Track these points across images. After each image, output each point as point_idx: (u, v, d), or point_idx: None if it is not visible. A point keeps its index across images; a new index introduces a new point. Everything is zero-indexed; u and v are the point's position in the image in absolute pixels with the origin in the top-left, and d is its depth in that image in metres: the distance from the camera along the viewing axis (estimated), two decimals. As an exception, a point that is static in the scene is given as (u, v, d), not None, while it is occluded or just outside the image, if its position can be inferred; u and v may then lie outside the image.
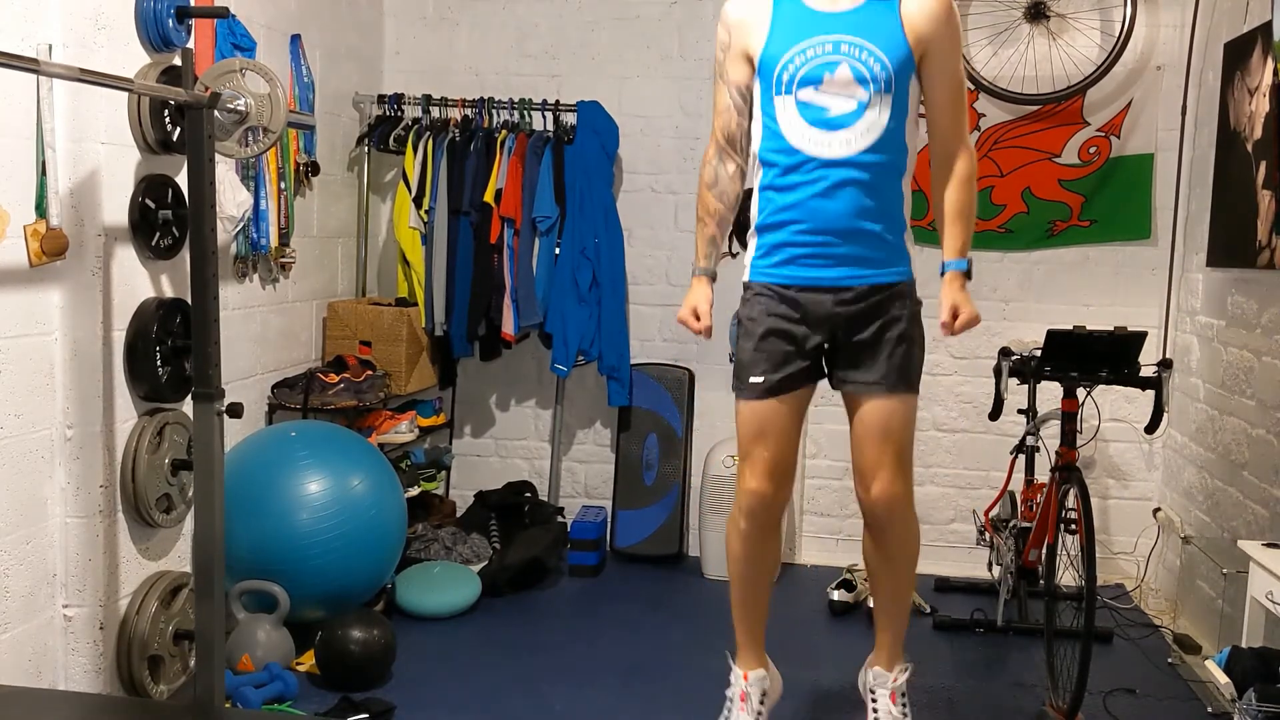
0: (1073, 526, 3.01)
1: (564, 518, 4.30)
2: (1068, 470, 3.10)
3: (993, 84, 4.15)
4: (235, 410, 2.63)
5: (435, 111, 4.35)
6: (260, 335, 3.63)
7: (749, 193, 2.69)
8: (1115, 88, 4.16)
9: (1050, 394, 3.46)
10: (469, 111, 4.30)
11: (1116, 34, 4.06)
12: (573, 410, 4.58)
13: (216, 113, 2.62)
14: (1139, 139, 4.19)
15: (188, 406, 2.83)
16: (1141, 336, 3.07)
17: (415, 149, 4.20)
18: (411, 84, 4.45)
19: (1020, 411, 3.81)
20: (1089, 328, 3.15)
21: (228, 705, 2.73)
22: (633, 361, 4.42)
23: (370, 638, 3.08)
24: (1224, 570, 3.38)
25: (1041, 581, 3.44)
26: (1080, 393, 3.22)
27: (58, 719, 2.47)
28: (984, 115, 4.24)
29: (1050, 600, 3.22)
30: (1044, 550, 3.31)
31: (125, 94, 2.78)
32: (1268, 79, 3.32)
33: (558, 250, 4.25)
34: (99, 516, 2.78)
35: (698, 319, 2.69)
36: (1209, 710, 3.11)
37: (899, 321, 2.56)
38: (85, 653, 2.77)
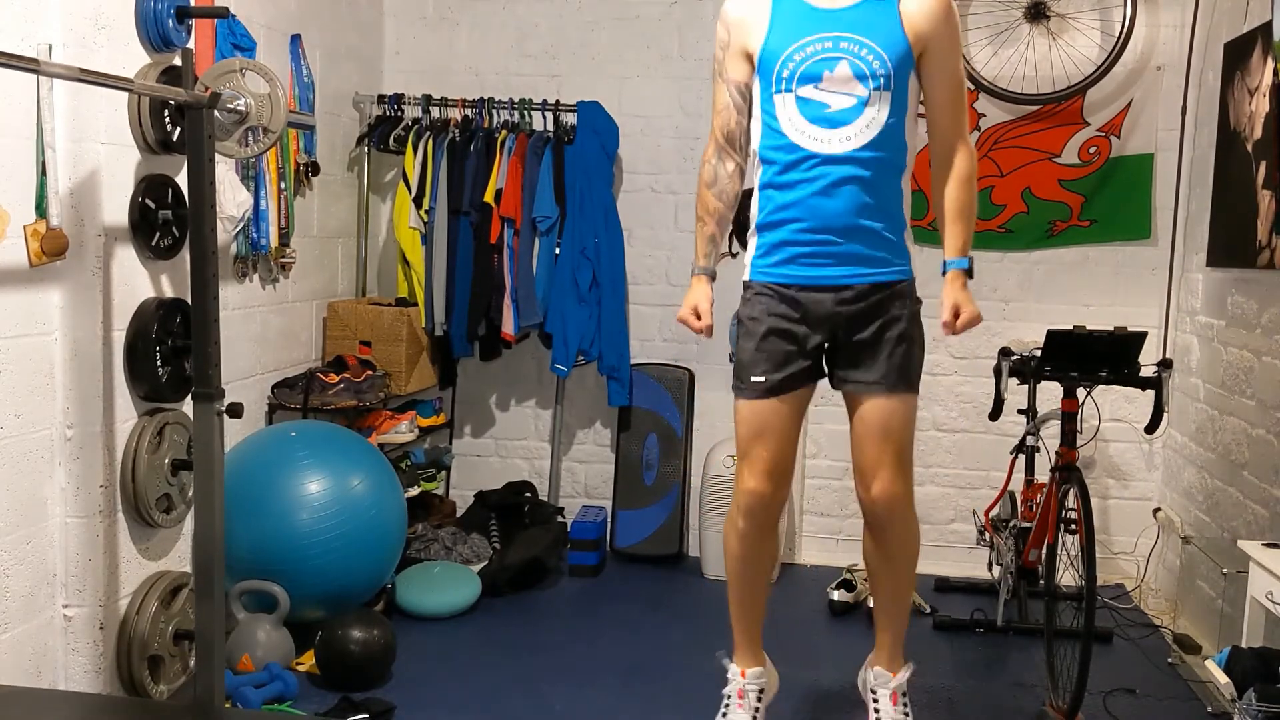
0: (1073, 526, 3.01)
1: (564, 518, 4.30)
2: (1068, 470, 3.10)
3: (993, 84, 4.15)
4: (235, 410, 2.63)
5: (435, 111, 4.35)
6: (260, 335, 3.63)
7: (749, 191, 2.69)
8: (1115, 88, 4.16)
9: (1050, 394, 3.46)
10: (469, 111, 4.30)
11: (1116, 34, 4.06)
12: (573, 410, 4.58)
13: (216, 113, 2.62)
14: (1139, 139, 4.19)
15: (188, 406, 2.83)
16: (1141, 336, 3.07)
17: (415, 149, 4.20)
18: (411, 84, 4.45)
19: (1020, 411, 3.81)
20: (1089, 328, 3.15)
21: (228, 705, 2.73)
22: (633, 361, 4.42)
23: (370, 638, 3.08)
24: (1224, 570, 3.38)
25: (1041, 581, 3.44)
26: (1080, 393, 3.22)
27: (58, 719, 2.47)
28: (984, 115, 4.24)
29: (1050, 600, 3.22)
30: (1044, 550, 3.31)
31: (125, 94, 2.78)
32: (1268, 79, 3.32)
33: (558, 250, 4.25)
34: (99, 516, 2.78)
35: (698, 318, 2.70)
36: (1209, 710, 3.11)
37: (899, 321, 2.56)
38: (85, 653, 2.77)
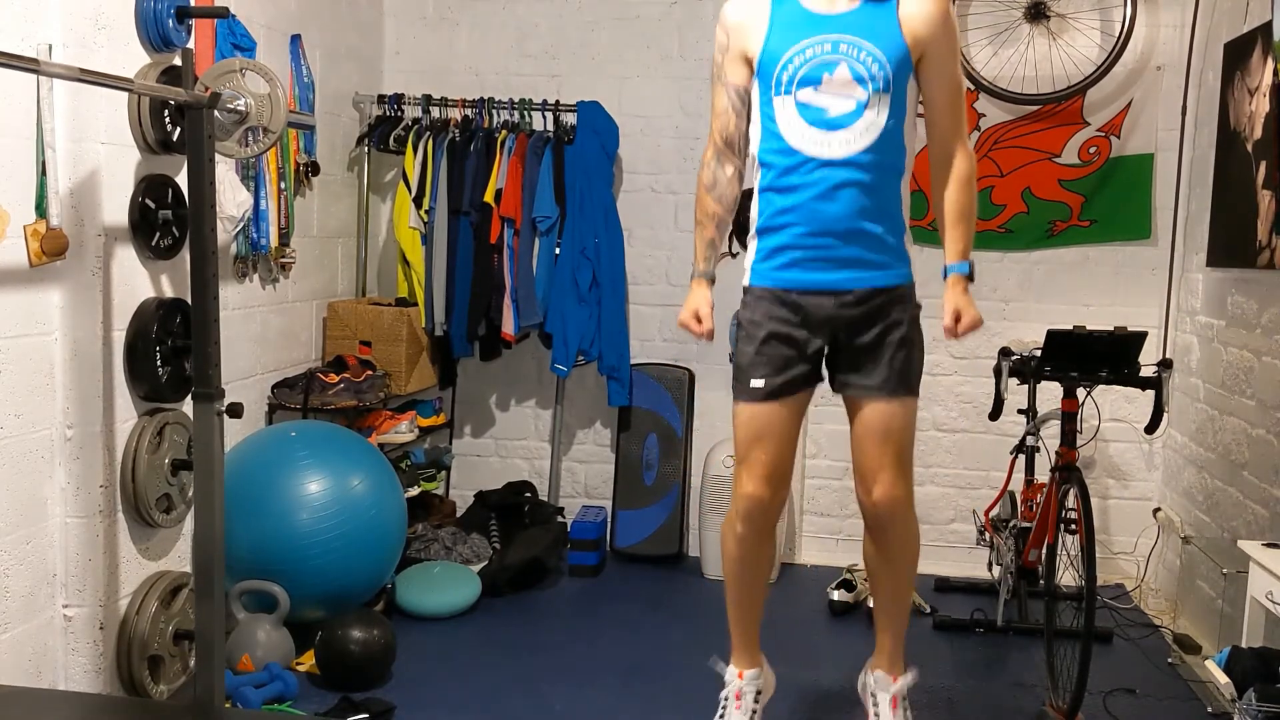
0: (1073, 526, 3.01)
1: (564, 518, 4.30)
2: (1068, 470, 3.10)
3: (993, 84, 4.15)
4: (235, 410, 2.63)
5: (435, 111, 4.35)
6: (260, 335, 3.63)
7: (749, 192, 2.69)
8: (1115, 88, 4.16)
9: (1050, 394, 3.46)
10: (469, 111, 4.30)
11: (1116, 34, 4.06)
12: (573, 410, 4.58)
13: (216, 113, 2.62)
14: (1139, 139, 4.19)
15: (188, 406, 2.83)
16: (1141, 336, 3.07)
17: (415, 149, 4.20)
18: (411, 84, 4.45)
19: (1020, 411, 3.81)
20: (1089, 328, 3.16)
21: (228, 705, 2.73)
22: (633, 361, 4.42)
23: (370, 638, 3.08)
24: (1224, 570, 3.38)
25: (1041, 581, 3.44)
26: (1080, 393, 3.22)
27: (58, 719, 2.47)
28: (984, 115, 4.24)
29: (1050, 600, 3.22)
30: (1044, 550, 3.31)
31: (125, 94, 2.78)
32: (1268, 79, 3.32)
33: (558, 250, 4.25)
34: (99, 516, 2.78)
35: (699, 322, 2.69)
36: (1209, 710, 3.11)
37: (900, 325, 2.56)
38: (85, 653, 2.77)
